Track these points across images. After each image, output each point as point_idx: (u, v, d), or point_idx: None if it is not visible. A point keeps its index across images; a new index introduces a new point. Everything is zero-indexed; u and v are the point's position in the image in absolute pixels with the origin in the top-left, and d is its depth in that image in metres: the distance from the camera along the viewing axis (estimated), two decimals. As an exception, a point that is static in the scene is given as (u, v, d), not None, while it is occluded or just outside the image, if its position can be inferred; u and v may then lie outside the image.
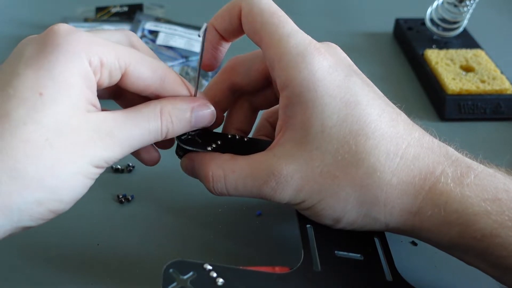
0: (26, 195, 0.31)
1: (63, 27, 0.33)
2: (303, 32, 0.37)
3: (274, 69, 0.37)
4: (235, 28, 0.39)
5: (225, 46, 0.41)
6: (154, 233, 0.44)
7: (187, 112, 0.37)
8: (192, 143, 0.40)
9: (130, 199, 0.47)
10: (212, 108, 0.39)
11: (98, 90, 0.35)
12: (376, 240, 0.39)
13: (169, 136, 0.37)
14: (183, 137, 0.40)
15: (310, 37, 0.37)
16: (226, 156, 0.38)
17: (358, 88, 0.36)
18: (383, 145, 0.35)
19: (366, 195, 0.35)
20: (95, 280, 0.40)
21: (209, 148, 0.40)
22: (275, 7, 0.37)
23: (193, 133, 0.40)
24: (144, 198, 0.47)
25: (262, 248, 0.43)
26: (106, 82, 0.35)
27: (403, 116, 0.37)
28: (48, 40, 0.33)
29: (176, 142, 0.40)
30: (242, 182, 0.37)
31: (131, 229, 0.44)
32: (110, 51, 0.34)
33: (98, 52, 0.33)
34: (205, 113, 0.38)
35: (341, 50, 0.39)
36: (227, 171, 0.37)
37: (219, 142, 0.40)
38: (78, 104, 0.32)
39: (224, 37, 0.40)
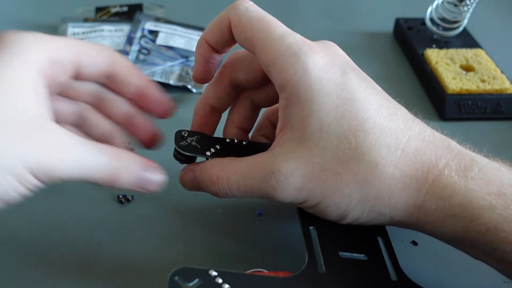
0: None
1: (7, 32, 0.34)
2: (295, 33, 0.37)
3: (270, 73, 0.37)
4: (227, 40, 0.39)
5: (217, 59, 0.41)
6: (154, 233, 0.44)
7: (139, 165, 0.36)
8: (190, 148, 0.40)
9: (130, 199, 0.47)
10: (161, 176, 0.38)
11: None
12: (379, 239, 0.39)
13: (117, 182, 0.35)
14: (181, 143, 0.40)
15: (303, 37, 0.37)
16: (227, 159, 0.39)
17: (355, 85, 0.36)
18: (383, 139, 0.35)
19: (370, 189, 0.35)
20: (95, 280, 0.40)
21: (208, 153, 0.40)
22: (262, 13, 0.37)
23: (191, 139, 0.40)
24: (144, 198, 0.47)
25: (263, 248, 0.43)
26: (62, 75, 0.36)
27: (402, 111, 0.37)
28: None
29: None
30: (244, 182, 0.37)
31: (131, 229, 0.44)
32: (60, 44, 0.35)
33: (50, 47, 0.34)
34: (153, 178, 0.37)
35: (339, 48, 0.39)
36: (229, 172, 0.37)
37: (217, 147, 0.40)
38: (16, 101, 0.32)
39: (216, 50, 0.40)
